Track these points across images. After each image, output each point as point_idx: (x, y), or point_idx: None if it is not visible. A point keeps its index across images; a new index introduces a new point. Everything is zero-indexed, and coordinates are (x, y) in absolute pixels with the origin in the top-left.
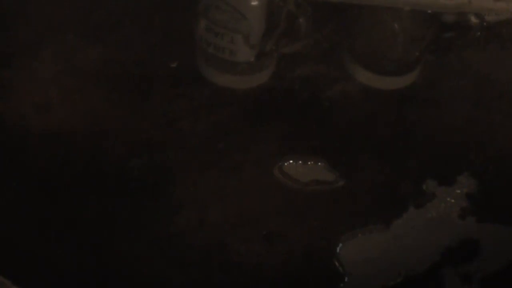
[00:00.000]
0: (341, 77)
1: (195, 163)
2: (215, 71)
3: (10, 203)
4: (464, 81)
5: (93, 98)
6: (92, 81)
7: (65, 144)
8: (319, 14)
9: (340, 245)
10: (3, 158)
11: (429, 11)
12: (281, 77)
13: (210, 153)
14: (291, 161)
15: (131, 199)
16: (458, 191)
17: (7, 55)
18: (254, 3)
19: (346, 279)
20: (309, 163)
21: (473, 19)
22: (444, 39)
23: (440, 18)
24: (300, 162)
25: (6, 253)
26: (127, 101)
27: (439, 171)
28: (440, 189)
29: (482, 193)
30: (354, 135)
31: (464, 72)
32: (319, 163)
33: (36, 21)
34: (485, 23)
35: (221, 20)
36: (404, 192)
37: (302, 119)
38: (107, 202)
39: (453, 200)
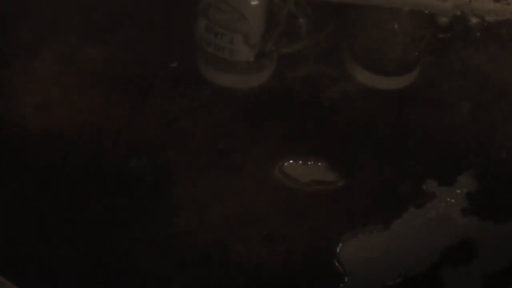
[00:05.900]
0: (341, 77)
1: (195, 163)
2: (215, 71)
3: (10, 203)
4: (464, 81)
5: (93, 98)
6: (92, 81)
7: (65, 144)
8: (319, 14)
9: (340, 245)
10: (3, 158)
11: (428, 12)
12: (281, 77)
13: (210, 153)
14: (291, 161)
15: (131, 199)
16: (458, 191)
17: (7, 55)
18: (254, 3)
19: (346, 279)
20: (309, 163)
21: (473, 19)
22: (443, 39)
23: (436, 19)
24: (300, 162)
25: (6, 253)
26: (127, 101)
27: (439, 171)
28: (440, 189)
29: (482, 193)
30: (354, 135)
31: (464, 72)
32: (319, 163)
33: (36, 21)
34: (485, 23)
35: (221, 20)
36: (404, 192)
37: (302, 119)
38: (107, 202)
39: (453, 200)
